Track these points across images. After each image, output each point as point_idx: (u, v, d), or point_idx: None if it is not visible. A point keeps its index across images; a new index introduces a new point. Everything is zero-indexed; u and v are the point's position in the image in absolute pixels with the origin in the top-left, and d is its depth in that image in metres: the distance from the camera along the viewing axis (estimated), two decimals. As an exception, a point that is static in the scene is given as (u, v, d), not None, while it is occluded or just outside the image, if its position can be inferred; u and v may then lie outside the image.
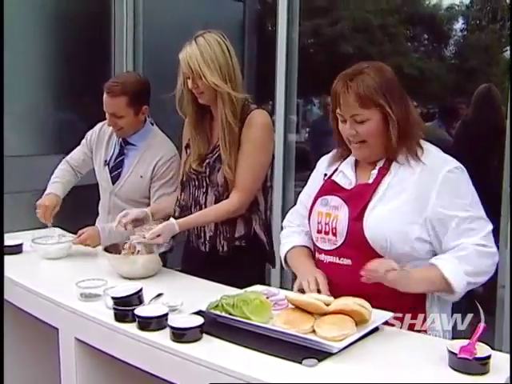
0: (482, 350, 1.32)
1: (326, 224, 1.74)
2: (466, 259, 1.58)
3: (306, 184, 1.97)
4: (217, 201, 2.16)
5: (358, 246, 1.67)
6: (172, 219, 2.10)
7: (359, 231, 1.66)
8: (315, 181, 1.90)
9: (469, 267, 1.58)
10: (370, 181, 1.72)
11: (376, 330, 1.51)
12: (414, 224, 1.64)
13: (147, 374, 1.54)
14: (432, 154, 1.70)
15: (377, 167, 1.72)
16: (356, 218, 1.67)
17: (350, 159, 1.81)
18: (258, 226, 2.19)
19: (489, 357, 1.30)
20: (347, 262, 1.69)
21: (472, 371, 1.29)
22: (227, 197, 2.14)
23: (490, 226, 1.64)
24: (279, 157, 3.36)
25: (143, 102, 2.44)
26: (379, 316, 1.53)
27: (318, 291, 1.66)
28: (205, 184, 2.19)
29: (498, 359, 1.34)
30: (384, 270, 1.52)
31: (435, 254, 1.67)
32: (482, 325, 1.40)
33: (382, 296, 1.58)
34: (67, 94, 4.05)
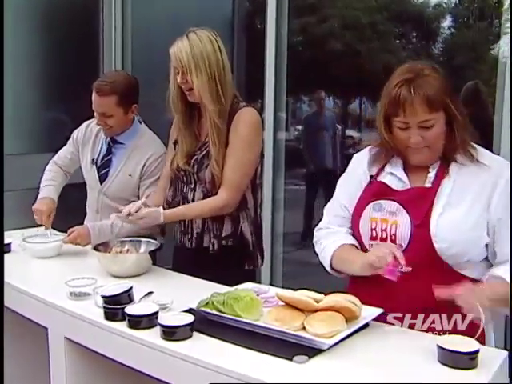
0: (471, 344, 1.33)
1: (382, 230, 1.66)
2: None
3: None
4: (205, 197, 2.16)
5: (421, 253, 1.60)
6: (160, 208, 2.10)
7: (425, 239, 1.60)
8: (355, 181, 1.80)
9: None
10: (428, 184, 1.65)
11: (366, 326, 1.52)
12: (483, 229, 1.60)
13: (138, 372, 1.53)
14: (486, 153, 1.66)
15: (433, 170, 1.66)
16: (420, 225, 1.61)
17: (398, 160, 1.72)
18: (245, 225, 2.19)
19: (477, 351, 1.31)
20: (407, 269, 1.60)
21: (460, 365, 1.30)
22: (215, 194, 2.14)
23: None
24: (269, 155, 3.36)
25: (132, 100, 2.44)
26: (369, 312, 1.54)
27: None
28: (193, 180, 2.19)
29: (486, 354, 1.35)
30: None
31: (486, 257, 1.63)
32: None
33: (408, 297, 1.57)
34: (56, 93, 4.04)
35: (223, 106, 2.10)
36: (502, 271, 1.58)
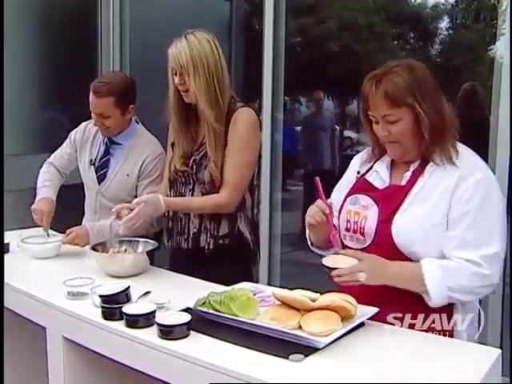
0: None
1: (354, 223, 1.73)
2: (453, 274, 1.56)
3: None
4: None
5: (385, 248, 1.64)
6: (159, 195, 2.11)
7: (387, 234, 1.64)
8: (347, 178, 1.89)
9: (453, 283, 1.56)
10: (403, 183, 1.69)
11: (362, 325, 1.53)
12: (443, 229, 1.61)
13: (135, 371, 1.54)
14: (465, 158, 1.66)
15: (411, 169, 1.70)
16: (385, 220, 1.66)
17: (386, 158, 1.78)
18: (242, 224, 2.21)
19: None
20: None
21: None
22: (214, 194, 2.15)
23: (496, 248, 1.57)
24: (266, 156, 3.37)
25: (130, 101, 2.44)
26: (365, 311, 1.55)
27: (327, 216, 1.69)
28: (191, 181, 2.20)
29: (478, 353, 1.38)
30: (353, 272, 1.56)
31: None
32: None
33: (408, 297, 1.59)
34: (54, 94, 4.04)
35: (221, 107, 2.12)
36: (424, 264, 1.59)
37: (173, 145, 2.28)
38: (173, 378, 1.46)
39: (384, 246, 1.65)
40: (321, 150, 5.91)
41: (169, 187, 2.29)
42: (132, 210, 2.04)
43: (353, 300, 1.51)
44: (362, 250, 1.70)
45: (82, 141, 2.60)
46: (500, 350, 1.38)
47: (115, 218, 2.08)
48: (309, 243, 1.92)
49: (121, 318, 1.58)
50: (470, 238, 1.57)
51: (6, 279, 1.98)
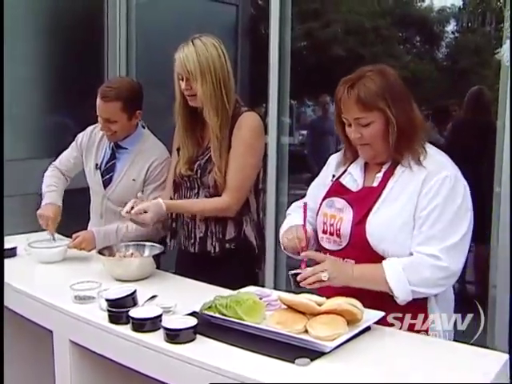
0: None
1: (330, 225, 1.77)
2: (413, 269, 1.61)
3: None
4: None
5: (361, 249, 1.69)
6: (159, 199, 2.12)
7: (362, 235, 1.68)
8: (325, 178, 1.93)
9: (414, 277, 1.60)
10: (375, 184, 1.74)
11: (368, 329, 1.53)
12: (412, 228, 1.65)
13: (141, 374, 1.55)
14: (432, 158, 1.70)
15: (382, 170, 1.74)
16: (359, 222, 1.70)
17: (360, 161, 1.82)
18: (248, 228, 2.21)
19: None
20: (350, 261, 1.71)
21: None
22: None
23: (455, 239, 1.61)
24: (272, 159, 3.37)
25: (137, 106, 2.44)
26: (371, 315, 1.55)
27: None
28: (196, 185, 2.21)
29: (488, 356, 1.37)
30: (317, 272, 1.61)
31: None
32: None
33: (383, 296, 1.61)
34: (60, 98, 4.04)
35: (227, 112, 2.12)
36: (385, 263, 1.64)
37: (178, 149, 2.28)
38: (179, 381, 1.46)
39: (359, 246, 1.69)
40: (327, 153, 5.91)
41: (173, 191, 2.29)
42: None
43: (359, 304, 1.51)
44: (339, 251, 1.74)
45: (89, 144, 2.61)
46: (507, 355, 1.38)
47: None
48: (282, 247, 1.93)
49: (127, 322, 1.58)
50: (434, 233, 1.62)
51: (14, 283, 1.99)
